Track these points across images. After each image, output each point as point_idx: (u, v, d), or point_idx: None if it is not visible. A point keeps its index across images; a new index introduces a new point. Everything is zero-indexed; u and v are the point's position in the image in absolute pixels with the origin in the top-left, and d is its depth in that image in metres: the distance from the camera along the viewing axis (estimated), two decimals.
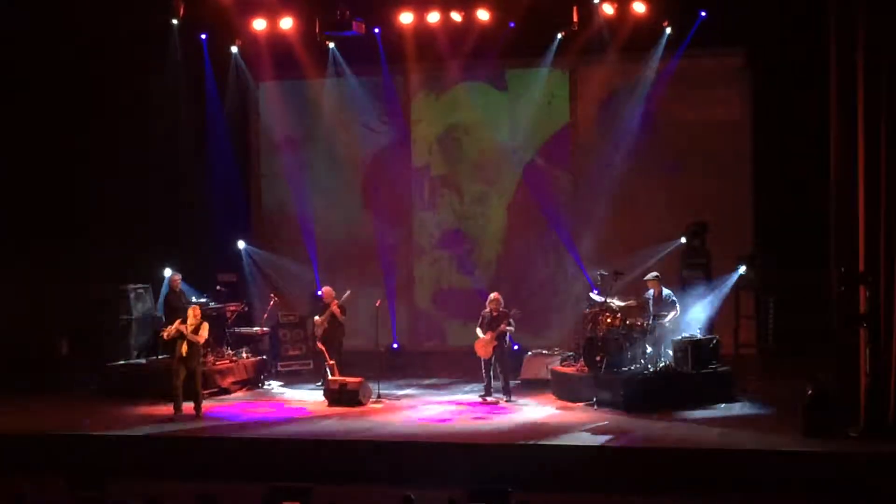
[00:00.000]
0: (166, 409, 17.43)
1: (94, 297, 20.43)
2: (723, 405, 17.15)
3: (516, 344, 19.94)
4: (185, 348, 17.34)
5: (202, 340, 17.52)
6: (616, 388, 17.22)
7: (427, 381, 20.25)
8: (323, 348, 19.12)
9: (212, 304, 20.01)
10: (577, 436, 15.56)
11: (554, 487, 13.75)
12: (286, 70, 22.03)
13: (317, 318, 19.57)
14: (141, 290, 20.37)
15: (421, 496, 10.98)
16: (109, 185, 20.90)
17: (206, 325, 17.58)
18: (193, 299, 19.75)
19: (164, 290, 20.14)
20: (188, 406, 17.37)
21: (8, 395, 18.83)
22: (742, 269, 19.44)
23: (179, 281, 19.72)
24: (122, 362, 19.74)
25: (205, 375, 18.73)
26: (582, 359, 18.23)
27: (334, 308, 19.28)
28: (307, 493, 11.44)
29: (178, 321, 17.58)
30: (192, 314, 17.56)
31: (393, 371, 20.69)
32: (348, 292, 19.53)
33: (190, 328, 17.38)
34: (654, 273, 18.51)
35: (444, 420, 16.93)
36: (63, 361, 20.67)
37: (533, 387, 19.05)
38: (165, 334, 17.67)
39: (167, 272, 20.08)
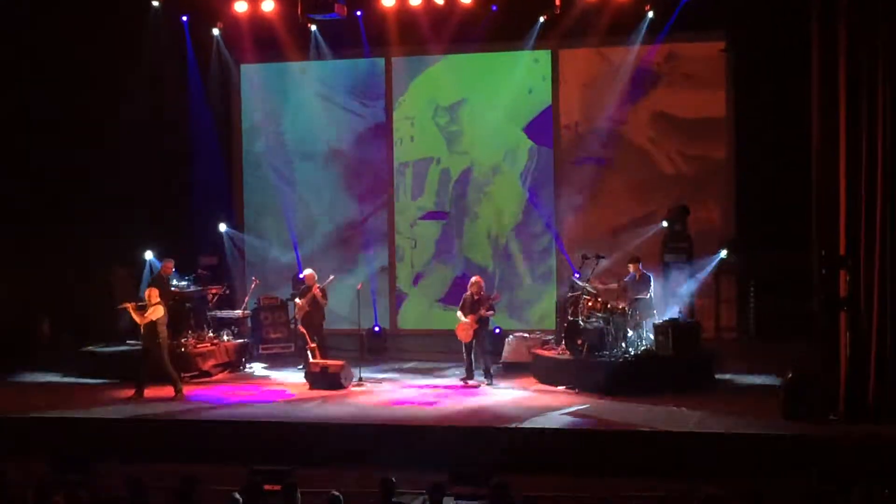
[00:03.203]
0: (146, 392, 17.51)
1: (75, 280, 20.37)
2: (703, 389, 17.21)
3: (497, 327, 19.98)
4: (142, 330, 17.55)
5: (142, 321, 17.43)
6: (597, 372, 17.27)
7: (408, 365, 20.26)
8: (304, 331, 19.11)
9: (191, 288, 19.95)
10: (557, 419, 15.59)
11: (535, 470, 13.78)
12: (268, 52, 21.96)
13: (298, 300, 19.54)
14: (123, 273, 20.31)
15: (402, 479, 11.00)
16: (91, 167, 20.82)
17: (157, 308, 17.48)
18: (175, 282, 19.70)
19: (146, 273, 20.07)
20: (163, 389, 17.46)
21: None
22: (723, 254, 19.54)
23: (172, 267, 19.59)
24: (101, 346, 19.69)
25: (186, 358, 18.78)
26: (563, 342, 18.26)
27: (315, 291, 19.24)
28: (289, 475, 11.47)
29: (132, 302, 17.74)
30: (147, 295, 17.62)
31: (374, 354, 20.72)
32: (332, 277, 19.51)
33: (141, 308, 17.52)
34: (635, 256, 18.58)
35: (425, 403, 16.93)
36: (44, 343, 20.64)
37: (514, 370, 19.05)
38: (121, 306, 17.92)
39: (148, 254, 20.02)
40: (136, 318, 17.53)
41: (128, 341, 19.55)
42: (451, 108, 22.16)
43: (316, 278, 19.42)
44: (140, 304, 17.64)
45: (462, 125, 22.11)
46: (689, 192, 20.66)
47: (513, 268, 21.81)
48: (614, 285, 18.31)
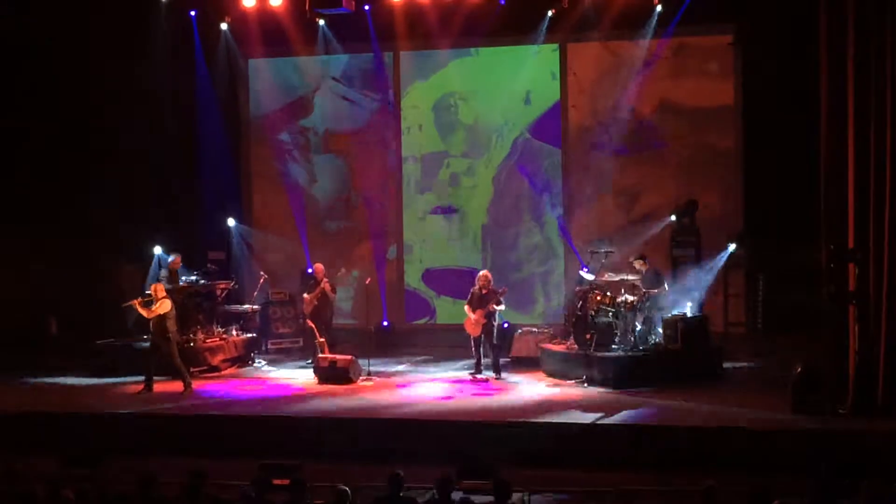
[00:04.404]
0: (155, 387, 17.55)
1: (82, 278, 20.38)
2: (711, 382, 17.19)
3: (506, 322, 19.96)
4: (151, 325, 17.56)
5: (150, 315, 17.46)
6: (606, 366, 17.25)
7: (417, 359, 20.27)
8: (313, 326, 19.13)
9: (201, 282, 19.96)
10: (566, 413, 15.57)
11: (543, 464, 13.79)
12: (276, 47, 21.97)
13: (306, 295, 19.56)
14: (132, 269, 20.32)
15: (410, 473, 11.00)
16: (98, 162, 20.85)
17: (164, 302, 17.47)
18: (184, 278, 19.71)
19: (154, 268, 20.07)
20: (172, 384, 17.52)
21: None
22: (732, 248, 19.50)
23: (180, 262, 19.62)
24: (110, 341, 19.72)
25: (195, 353, 18.80)
26: (572, 337, 18.25)
27: (325, 286, 19.26)
28: (297, 470, 11.47)
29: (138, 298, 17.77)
30: (153, 290, 17.63)
31: (383, 349, 20.71)
32: (342, 270, 19.52)
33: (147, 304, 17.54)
34: (640, 253, 18.55)
35: (433, 398, 16.93)
36: (52, 340, 20.64)
37: (523, 364, 19.05)
38: (127, 304, 17.97)
39: (157, 250, 20.03)
40: (144, 313, 17.55)
41: (136, 336, 19.57)
42: (459, 103, 22.13)
43: (324, 272, 19.44)
44: (146, 298, 17.66)
45: (470, 119, 22.10)
46: (696, 184, 20.64)
47: (521, 262, 21.79)
48: (627, 278, 18.21)
